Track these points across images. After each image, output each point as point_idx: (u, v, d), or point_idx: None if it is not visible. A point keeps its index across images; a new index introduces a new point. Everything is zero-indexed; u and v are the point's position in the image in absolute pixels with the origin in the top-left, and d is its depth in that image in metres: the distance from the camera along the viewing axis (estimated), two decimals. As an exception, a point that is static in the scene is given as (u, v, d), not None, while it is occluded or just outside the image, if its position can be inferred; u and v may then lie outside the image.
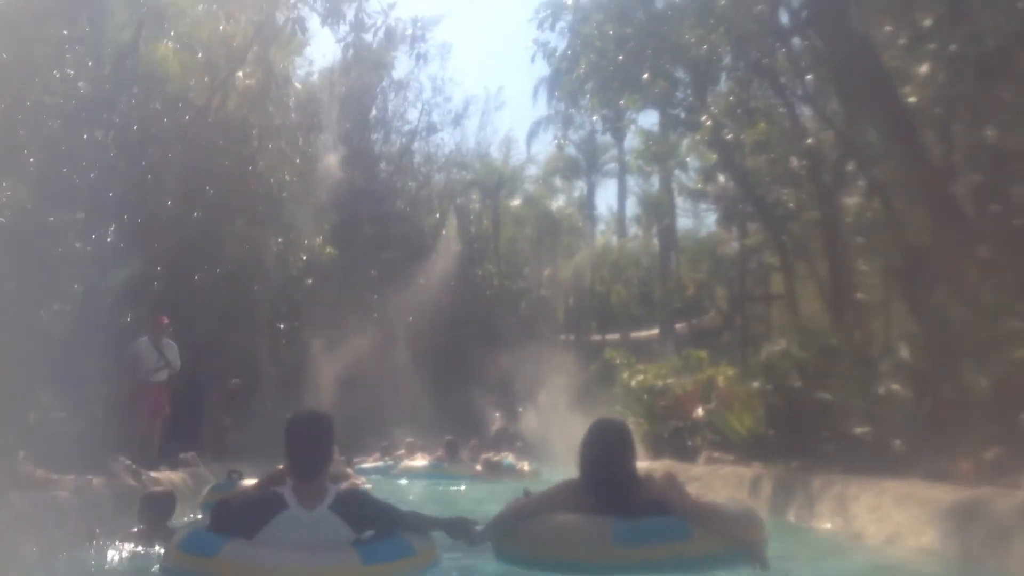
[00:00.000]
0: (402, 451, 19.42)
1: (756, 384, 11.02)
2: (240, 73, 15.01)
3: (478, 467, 17.82)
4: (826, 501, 7.75)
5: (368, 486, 11.87)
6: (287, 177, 20.04)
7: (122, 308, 14.74)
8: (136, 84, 15.41)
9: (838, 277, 14.37)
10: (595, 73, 13.17)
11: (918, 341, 9.45)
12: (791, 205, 15.91)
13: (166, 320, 12.55)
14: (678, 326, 29.48)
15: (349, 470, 16.82)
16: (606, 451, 5.25)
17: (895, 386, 9.30)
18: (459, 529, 5.32)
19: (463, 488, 15.30)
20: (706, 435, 12.44)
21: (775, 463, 9.90)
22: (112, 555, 6.07)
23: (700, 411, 12.57)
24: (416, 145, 35.33)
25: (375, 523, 4.96)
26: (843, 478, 7.95)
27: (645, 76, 13.11)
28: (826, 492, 7.85)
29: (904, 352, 9.45)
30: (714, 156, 15.33)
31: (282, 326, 25.29)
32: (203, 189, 19.51)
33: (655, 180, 27.42)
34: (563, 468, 17.09)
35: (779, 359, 10.95)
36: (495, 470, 17.51)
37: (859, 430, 9.28)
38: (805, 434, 10.11)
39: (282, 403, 24.84)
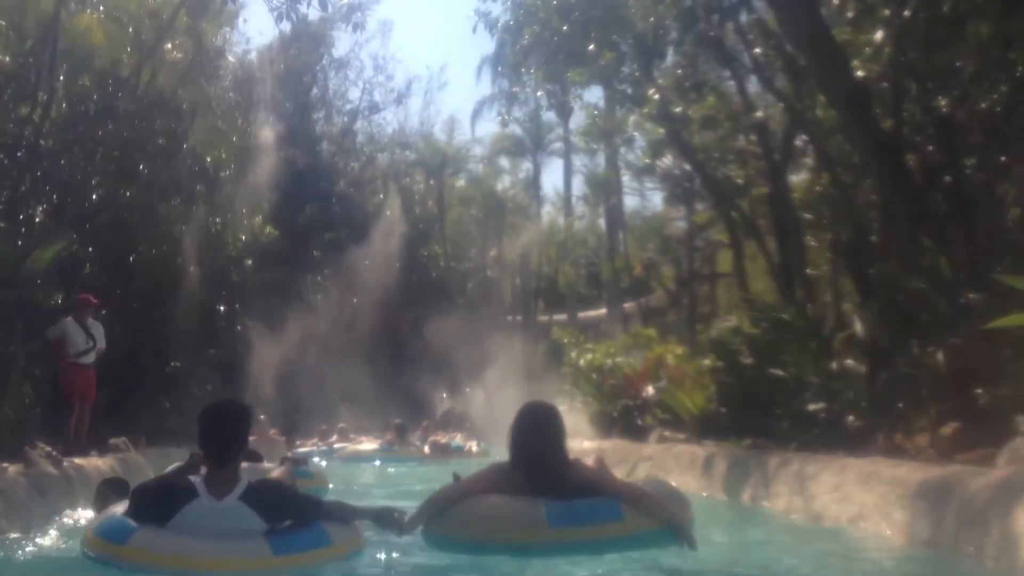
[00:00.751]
0: (334, 436, 18.99)
1: (707, 361, 10.80)
2: (169, 45, 14.33)
3: (426, 449, 17.59)
4: (783, 480, 7.49)
5: (315, 469, 11.64)
6: (223, 155, 19.36)
7: (50, 290, 14.12)
8: (61, 58, 14.66)
9: (787, 253, 14.20)
10: (539, 45, 12.79)
11: (871, 316, 9.23)
12: (739, 181, 15.69)
13: (93, 299, 11.96)
14: (626, 306, 29.34)
15: (289, 454, 16.48)
16: (536, 434, 5.26)
17: (849, 361, 9.10)
18: (385, 518, 5.23)
19: (413, 470, 14.99)
20: (656, 414, 12.20)
21: (728, 441, 9.67)
22: (22, 550, 5.61)
23: (650, 390, 12.33)
24: (358, 125, 34.79)
25: (288, 513, 4.89)
26: (800, 456, 7.70)
27: (591, 48, 12.73)
28: (783, 471, 7.59)
29: (858, 327, 9.24)
30: (661, 130, 15.03)
31: (222, 308, 24.55)
32: (135, 167, 18.84)
33: (601, 159, 27.20)
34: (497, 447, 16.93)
35: (730, 336, 10.73)
36: (443, 451, 17.36)
37: (813, 407, 9.04)
38: (758, 412, 9.89)
39: (221, 386, 24.29)
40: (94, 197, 17.90)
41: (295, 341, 27.58)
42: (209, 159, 19.53)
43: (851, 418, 8.71)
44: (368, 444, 19.62)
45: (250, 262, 23.67)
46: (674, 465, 9.70)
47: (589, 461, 5.59)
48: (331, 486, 9.84)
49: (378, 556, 5.21)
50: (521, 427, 5.33)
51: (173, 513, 4.67)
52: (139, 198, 19.04)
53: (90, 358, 11.38)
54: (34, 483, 6.88)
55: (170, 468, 6.91)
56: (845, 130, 12.13)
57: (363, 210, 31.38)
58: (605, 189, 26.74)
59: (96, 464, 8.86)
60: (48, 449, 7.76)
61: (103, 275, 18.88)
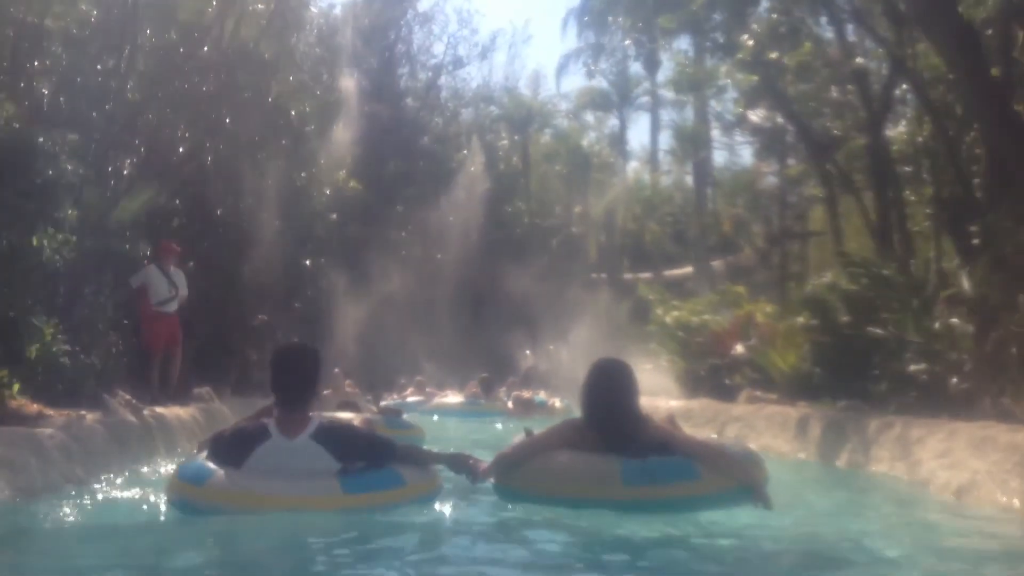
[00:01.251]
0: (409, 390, 18.91)
1: (801, 319, 10.30)
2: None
3: (510, 404, 17.61)
4: (884, 444, 7.04)
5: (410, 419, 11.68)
6: (307, 109, 19.30)
7: (138, 241, 14.29)
8: (144, 10, 14.69)
9: (885, 208, 13.56)
10: (627, -12, 12.29)
11: (979, 271, 8.65)
12: (836, 133, 15.02)
13: (176, 246, 12.02)
14: (713, 264, 28.67)
15: (372, 406, 16.48)
16: (608, 391, 5.22)
17: (954, 320, 8.55)
18: (461, 464, 5.32)
19: (499, 425, 14.87)
20: (746, 373, 11.77)
21: (822, 403, 9.22)
22: (99, 498, 5.54)
23: (739, 348, 11.87)
24: (442, 80, 34.51)
25: (360, 454, 4.95)
26: (903, 419, 7.23)
27: (682, -9, 12.19)
28: (884, 434, 7.14)
29: (965, 283, 8.67)
30: (754, 78, 14.40)
31: (308, 263, 24.67)
32: (221, 121, 18.93)
33: (690, 112, 26.45)
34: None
35: (826, 292, 10.24)
36: (527, 407, 17.26)
37: (914, 368, 8.55)
38: (854, 372, 9.44)
39: (308, 339, 24.54)
40: (180, 150, 18.03)
41: (378, 297, 27.71)
42: (293, 112, 19.46)
43: (955, 380, 8.20)
44: (453, 397, 19.62)
45: (334, 216, 23.71)
46: (765, 426, 9.30)
47: (661, 418, 5.55)
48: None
49: (451, 504, 5.17)
50: (594, 384, 5.27)
51: (248, 454, 4.80)
52: (225, 152, 19.19)
53: (172, 306, 11.38)
54: (113, 432, 6.83)
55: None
56: (951, 76, 11.50)
57: (447, 166, 31.20)
58: (694, 143, 25.94)
59: (178, 414, 8.84)
60: (128, 397, 7.72)
61: (191, 228, 19.08)
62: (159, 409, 8.50)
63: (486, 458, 5.52)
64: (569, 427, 5.36)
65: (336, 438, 4.88)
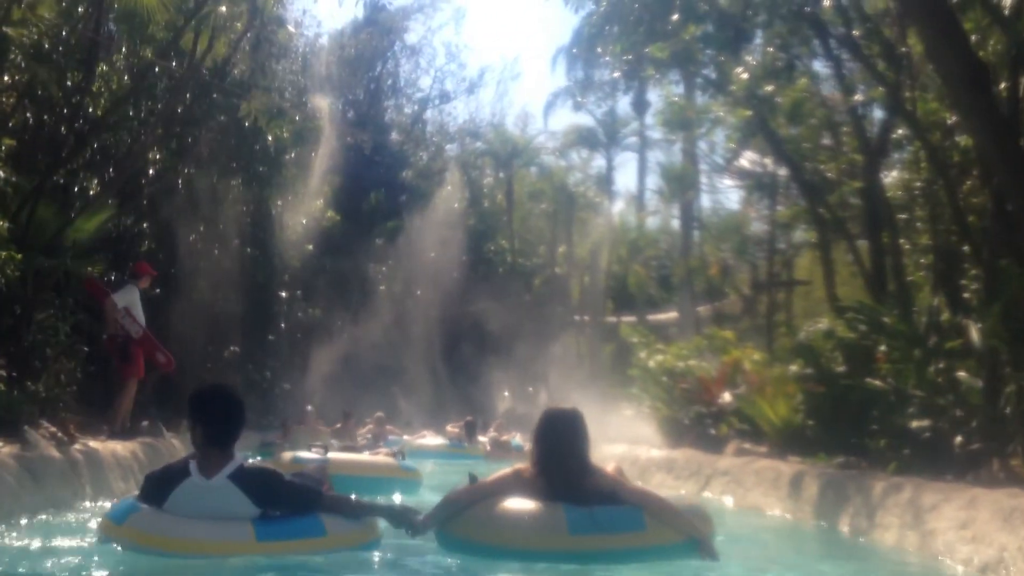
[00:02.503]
0: (368, 427, 18.07)
1: (793, 367, 9.64)
2: (223, 8, 13.62)
3: (487, 446, 17.35)
4: (892, 510, 6.31)
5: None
6: (284, 134, 18.68)
7: (93, 263, 13.63)
8: (113, 22, 14.11)
9: (880, 254, 12.98)
10: (618, 14, 11.73)
11: (990, 322, 8.02)
12: (829, 175, 14.48)
13: (151, 269, 11.53)
14: (698, 309, 28.10)
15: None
16: (558, 439, 5.20)
17: (961, 373, 7.91)
18: (399, 516, 5.22)
19: (480, 469, 14.15)
20: (733, 423, 11.09)
21: (817, 459, 8.54)
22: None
23: (727, 396, 11.19)
24: (428, 114, 34.07)
25: (281, 501, 4.86)
26: (913, 482, 6.52)
27: (674, 18, 11.64)
28: (891, 498, 6.42)
29: (974, 335, 8.04)
30: (748, 113, 13.86)
31: (283, 294, 23.94)
32: (195, 143, 18.31)
33: (678, 153, 25.99)
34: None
35: (820, 340, 9.59)
36: (504, 449, 16.83)
37: (915, 424, 7.89)
38: (850, 426, 8.77)
39: (281, 373, 23.79)
40: (151, 172, 17.37)
41: (354, 332, 27.01)
42: (271, 138, 18.84)
43: (960, 439, 7.55)
44: (432, 439, 19.01)
45: (311, 247, 23.02)
46: (754, 482, 8.57)
47: (609, 468, 5.43)
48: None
49: (386, 555, 5.08)
50: (544, 431, 5.28)
51: (168, 493, 4.74)
52: (198, 175, 18.52)
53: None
54: (28, 468, 6.08)
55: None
56: (953, 119, 11.00)
57: (430, 201, 30.57)
58: (681, 184, 25.41)
59: (114, 449, 8.04)
60: (53, 430, 6.96)
61: (160, 252, 18.39)
62: (93, 444, 7.72)
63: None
64: (515, 473, 5.29)
65: (255, 482, 4.79)
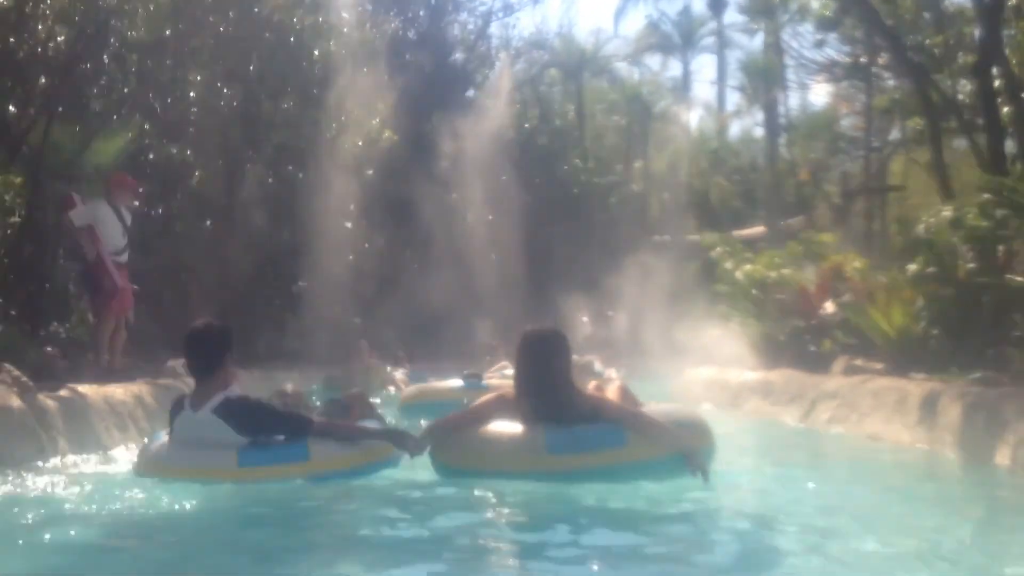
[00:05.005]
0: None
1: (912, 267, 8.09)
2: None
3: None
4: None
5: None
6: (332, 48, 17.40)
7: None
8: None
9: (998, 137, 11.22)
10: None
11: None
12: (936, 51, 12.63)
13: (131, 179, 9.71)
14: (787, 222, 26.27)
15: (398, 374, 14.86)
16: (538, 360, 5.18)
17: None
18: (396, 440, 5.42)
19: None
20: (837, 337, 9.59)
21: (948, 374, 7.04)
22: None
23: (829, 307, 9.65)
24: (493, 29, 32.36)
25: (264, 428, 5.11)
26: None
27: None
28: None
29: None
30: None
31: (348, 224, 22.80)
32: (244, 66, 17.18)
33: (760, 48, 23.91)
34: (655, 377, 14.75)
35: (945, 232, 8.01)
36: (586, 372, 15.63)
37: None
38: (985, 334, 7.26)
39: (351, 308, 22.84)
40: (192, 95, 16.32)
41: (422, 261, 25.95)
42: (317, 52, 17.58)
43: None
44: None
45: (371, 172, 21.78)
46: (872, 405, 7.05)
47: (613, 387, 5.53)
48: None
49: (379, 476, 5.23)
50: (524, 353, 5.26)
51: (172, 424, 5.25)
52: (246, 99, 17.43)
53: (125, 256, 9.31)
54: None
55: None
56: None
57: (496, 120, 29.06)
58: (766, 79, 23.35)
59: (109, 394, 6.89)
60: (17, 374, 5.87)
61: (211, 184, 17.43)
62: (83, 388, 6.63)
63: None
64: (500, 397, 5.33)
65: (236, 413, 5.04)
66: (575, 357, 17.19)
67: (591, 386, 5.52)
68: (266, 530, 4.16)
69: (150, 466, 5.09)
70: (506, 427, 5.01)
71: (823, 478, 5.29)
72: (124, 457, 5.98)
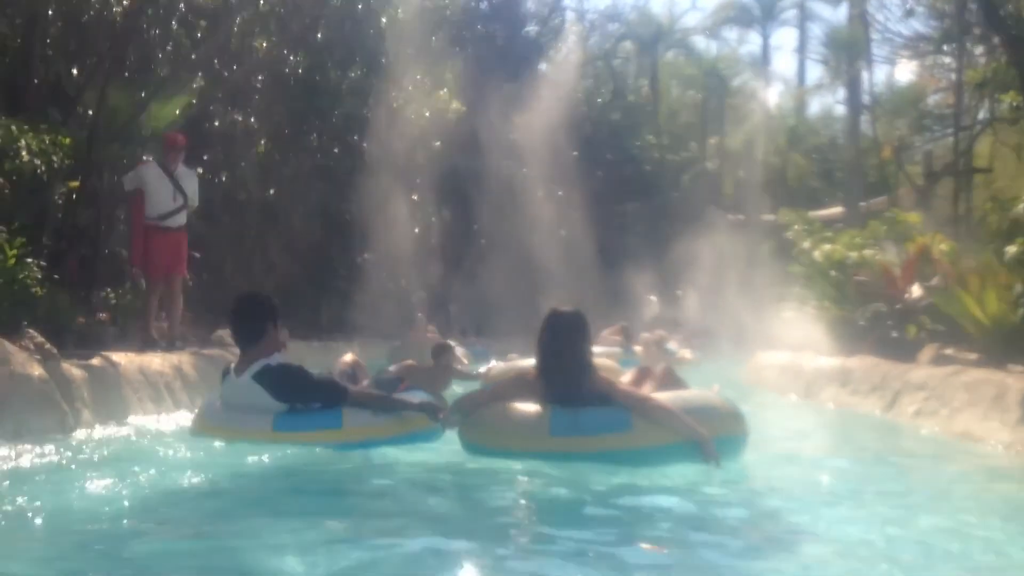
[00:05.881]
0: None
1: (1012, 249, 7.41)
2: None
3: (637, 348, 15.84)
4: None
5: None
6: (400, 14, 17.01)
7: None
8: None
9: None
10: None
11: None
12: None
13: (182, 137, 9.21)
14: (866, 204, 25.25)
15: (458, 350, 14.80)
16: (556, 341, 5.19)
17: None
18: (429, 411, 5.52)
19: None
20: (924, 323, 8.92)
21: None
22: None
23: (916, 290, 8.97)
24: (567, 1, 31.73)
25: (301, 395, 5.32)
26: None
27: None
28: None
29: None
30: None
31: (415, 197, 22.44)
32: (308, 32, 16.90)
33: (842, 19, 22.81)
34: (724, 360, 14.17)
35: (1049, 212, 7.32)
36: (659, 349, 15.22)
37: None
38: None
39: (417, 281, 22.55)
40: (257, 61, 16.07)
41: (491, 235, 25.55)
42: (384, 20, 17.21)
43: None
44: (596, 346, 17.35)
45: (438, 144, 21.39)
46: (966, 400, 6.36)
47: (659, 370, 5.61)
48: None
49: (398, 449, 5.28)
50: (543, 334, 5.26)
51: (221, 388, 5.54)
52: (311, 66, 17.16)
53: (179, 219, 8.88)
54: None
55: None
56: None
57: (569, 94, 28.44)
58: (849, 52, 22.31)
59: (146, 364, 6.58)
60: (41, 340, 5.58)
61: (276, 152, 17.23)
62: (117, 357, 6.33)
63: None
64: (519, 377, 5.45)
65: (273, 380, 5.25)
66: (645, 335, 16.82)
67: (658, 371, 5.55)
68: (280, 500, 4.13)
69: (197, 424, 5.46)
70: (519, 407, 5.03)
71: (915, 485, 4.71)
72: (154, 429, 5.68)
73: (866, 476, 4.91)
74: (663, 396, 5.00)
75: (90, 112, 9.95)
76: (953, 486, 4.60)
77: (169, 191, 8.75)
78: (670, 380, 5.47)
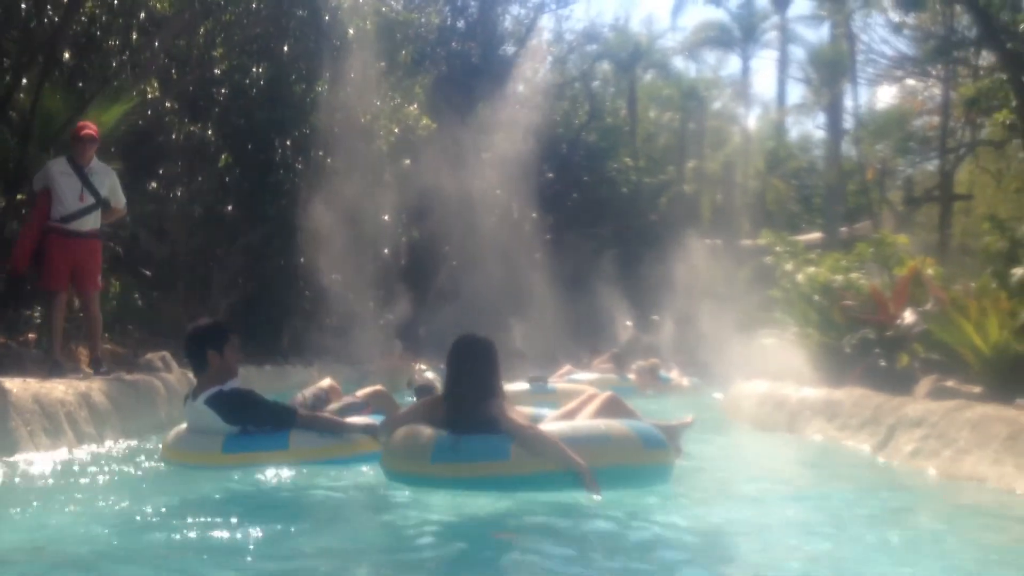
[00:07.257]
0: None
1: (1021, 271, 6.76)
2: None
3: (631, 376, 15.71)
4: None
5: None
6: (367, 25, 16.38)
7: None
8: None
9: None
10: None
11: None
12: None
13: (92, 128, 8.11)
14: (846, 229, 24.77)
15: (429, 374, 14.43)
16: (458, 366, 5.29)
17: None
18: (374, 433, 5.71)
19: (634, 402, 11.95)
20: (916, 352, 8.25)
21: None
22: None
23: (908, 316, 8.30)
24: (545, 21, 31.27)
25: (251, 419, 5.73)
26: None
27: None
28: None
29: None
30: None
31: (386, 218, 21.72)
32: (270, 43, 16.27)
33: (825, 40, 22.40)
34: (722, 387, 13.50)
35: (1056, 232, 6.68)
36: (652, 376, 15.37)
37: None
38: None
39: (384, 304, 21.84)
40: (216, 72, 15.40)
41: (463, 257, 24.93)
42: (351, 31, 16.56)
43: None
44: (584, 374, 16.72)
45: (408, 162, 20.70)
46: (972, 439, 5.57)
47: (599, 400, 5.60)
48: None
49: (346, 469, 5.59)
50: (449, 357, 5.36)
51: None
52: (274, 78, 16.47)
53: (87, 223, 7.85)
54: None
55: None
56: None
57: (544, 115, 27.92)
58: (832, 71, 21.84)
59: (43, 391, 5.78)
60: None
61: (237, 167, 16.49)
62: (8, 384, 5.52)
63: None
64: (428, 401, 5.56)
65: (224, 404, 5.67)
66: (640, 363, 16.32)
67: (598, 402, 5.58)
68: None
69: (163, 450, 5.85)
70: (414, 432, 5.11)
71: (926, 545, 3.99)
72: (47, 467, 4.90)
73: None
74: (555, 426, 5.10)
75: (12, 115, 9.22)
76: (984, 537, 3.88)
77: (75, 189, 7.73)
78: (614, 408, 5.51)
